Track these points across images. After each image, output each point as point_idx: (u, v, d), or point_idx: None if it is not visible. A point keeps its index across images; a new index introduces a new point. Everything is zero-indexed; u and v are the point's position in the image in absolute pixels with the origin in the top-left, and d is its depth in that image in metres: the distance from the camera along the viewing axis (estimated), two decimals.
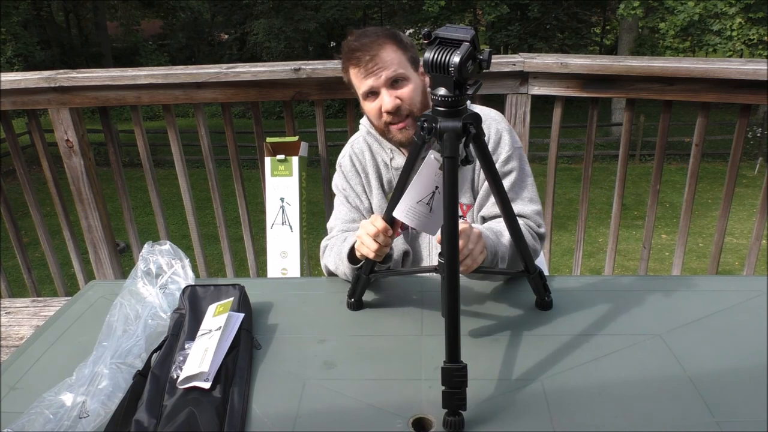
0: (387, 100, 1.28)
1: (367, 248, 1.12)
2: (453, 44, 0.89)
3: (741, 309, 1.17)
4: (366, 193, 1.44)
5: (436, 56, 0.89)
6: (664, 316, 1.15)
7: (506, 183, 1.33)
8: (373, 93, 1.29)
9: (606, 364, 1.01)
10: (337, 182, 1.47)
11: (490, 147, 1.33)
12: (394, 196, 1.09)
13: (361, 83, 1.29)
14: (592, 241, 7.02)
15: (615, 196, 2.07)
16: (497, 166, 1.33)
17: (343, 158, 1.46)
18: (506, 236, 1.24)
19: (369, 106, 1.32)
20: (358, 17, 19.91)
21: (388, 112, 1.29)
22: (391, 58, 1.26)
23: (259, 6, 17.96)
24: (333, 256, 1.34)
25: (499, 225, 1.29)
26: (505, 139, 1.35)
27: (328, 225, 1.49)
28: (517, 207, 1.34)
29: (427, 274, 1.24)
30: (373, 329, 1.16)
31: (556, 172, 2.05)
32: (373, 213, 1.44)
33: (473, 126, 0.93)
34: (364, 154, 1.43)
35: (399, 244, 1.44)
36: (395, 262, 1.44)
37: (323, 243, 1.44)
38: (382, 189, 1.43)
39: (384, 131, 1.36)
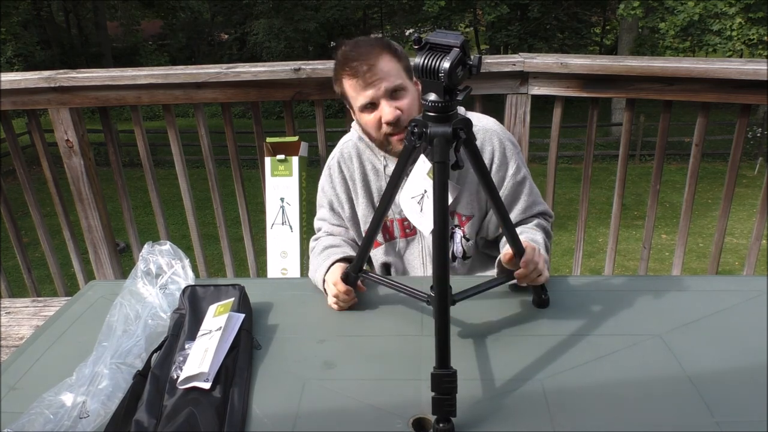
0: (387, 110, 1.25)
1: (332, 304, 1.22)
2: (443, 50, 0.89)
3: (741, 309, 1.17)
4: (351, 201, 1.43)
5: (426, 62, 0.89)
6: (664, 316, 1.15)
7: (525, 189, 1.38)
8: (371, 104, 1.27)
9: (606, 364, 1.01)
10: (324, 185, 1.46)
11: (498, 160, 1.35)
12: (381, 204, 1.10)
13: (358, 94, 1.26)
14: (592, 241, 7.02)
15: (615, 196, 2.07)
16: (509, 176, 1.36)
17: (332, 161, 1.44)
18: (540, 241, 1.29)
19: (367, 118, 1.29)
20: (358, 17, 19.91)
21: (389, 123, 1.26)
22: (389, 68, 1.24)
23: (259, 6, 17.96)
24: (313, 267, 1.34)
25: (526, 233, 1.32)
26: (509, 149, 1.37)
27: (316, 225, 1.49)
28: (541, 207, 1.41)
29: (425, 271, 1.23)
30: (373, 329, 1.16)
31: (556, 172, 2.05)
32: (353, 221, 1.44)
33: (463, 131, 0.93)
34: (352, 161, 1.41)
35: (379, 257, 1.45)
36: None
37: (311, 243, 1.44)
38: (370, 197, 1.42)
39: (383, 143, 1.33)
